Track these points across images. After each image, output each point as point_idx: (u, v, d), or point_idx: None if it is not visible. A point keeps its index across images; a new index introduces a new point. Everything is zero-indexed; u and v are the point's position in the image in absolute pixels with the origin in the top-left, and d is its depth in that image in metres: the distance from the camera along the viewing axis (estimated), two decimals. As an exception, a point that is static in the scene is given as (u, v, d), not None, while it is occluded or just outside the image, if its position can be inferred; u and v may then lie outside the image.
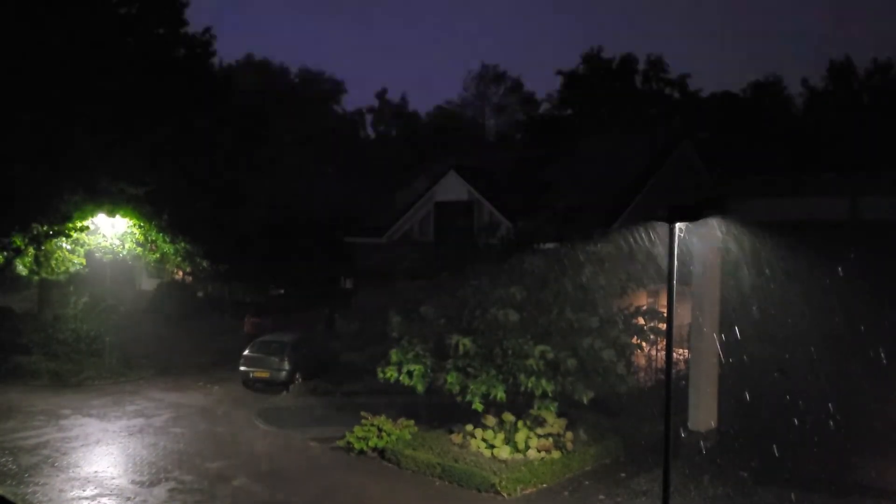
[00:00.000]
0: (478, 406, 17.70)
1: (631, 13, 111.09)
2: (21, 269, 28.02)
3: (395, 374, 18.58)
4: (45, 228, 27.55)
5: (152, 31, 30.26)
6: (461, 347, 17.84)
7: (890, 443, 16.44)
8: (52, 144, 27.32)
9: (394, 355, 18.70)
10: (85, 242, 28.76)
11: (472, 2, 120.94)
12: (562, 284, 18.40)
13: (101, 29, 28.79)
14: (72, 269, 28.96)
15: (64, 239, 28.05)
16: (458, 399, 18.07)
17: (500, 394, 17.54)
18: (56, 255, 28.06)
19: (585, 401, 17.77)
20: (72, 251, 28.42)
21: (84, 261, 29.00)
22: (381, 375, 18.97)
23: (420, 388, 18.46)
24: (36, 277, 28.97)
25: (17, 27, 27.58)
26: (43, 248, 27.86)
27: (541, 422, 17.94)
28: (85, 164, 27.72)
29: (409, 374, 18.45)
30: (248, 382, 25.98)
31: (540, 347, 17.40)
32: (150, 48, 29.86)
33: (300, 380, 25.46)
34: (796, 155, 38.97)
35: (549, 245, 20.15)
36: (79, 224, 27.98)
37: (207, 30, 33.07)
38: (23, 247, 27.52)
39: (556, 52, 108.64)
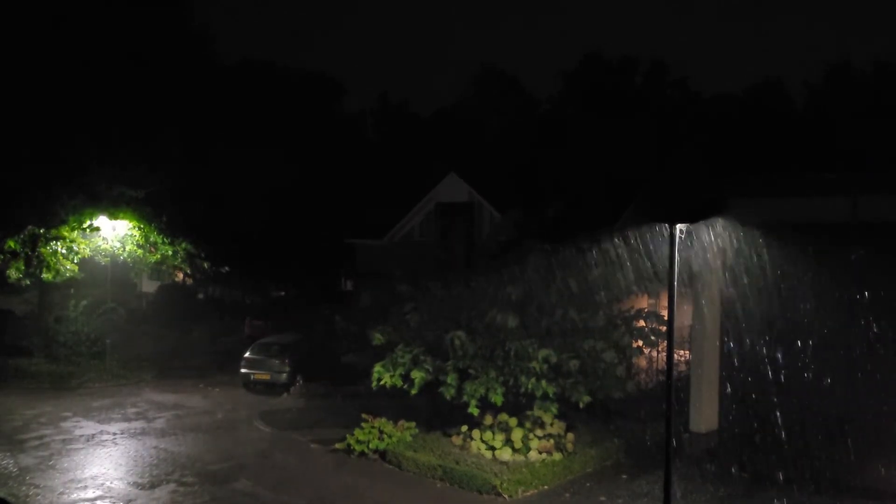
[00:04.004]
0: (473, 410, 17.69)
1: (631, 14, 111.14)
2: (13, 272, 27.83)
3: (391, 381, 18.63)
4: (41, 231, 27.44)
5: (153, 30, 30.23)
6: (456, 341, 17.84)
7: (892, 444, 16.39)
8: (50, 148, 27.29)
9: (377, 370, 18.87)
10: (80, 249, 28.54)
11: (473, 2, 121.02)
12: (565, 284, 18.39)
13: (101, 28, 28.79)
14: (67, 274, 28.66)
15: (60, 243, 27.90)
16: (455, 401, 18.06)
17: (498, 398, 17.51)
18: (49, 259, 27.81)
19: (582, 405, 17.77)
20: (67, 255, 28.20)
21: (76, 267, 28.72)
22: (375, 382, 19.07)
23: (413, 391, 18.48)
24: (27, 281, 28.79)
25: (15, 28, 27.58)
26: (37, 250, 27.64)
27: (540, 423, 17.92)
28: (84, 168, 27.69)
29: (406, 378, 18.48)
30: (249, 384, 25.97)
31: (544, 352, 17.38)
32: (151, 47, 29.83)
33: (301, 382, 25.45)
34: (797, 155, 38.97)
35: (551, 245, 20.13)
36: (79, 225, 27.87)
37: (208, 29, 33.15)
38: (18, 250, 27.43)
39: (556, 53, 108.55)
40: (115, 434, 20.49)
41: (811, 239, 16.38)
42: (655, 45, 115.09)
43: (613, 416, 19.49)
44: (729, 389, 18.93)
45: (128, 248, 29.71)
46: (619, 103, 48.67)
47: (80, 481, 16.74)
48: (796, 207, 17.78)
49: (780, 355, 17.39)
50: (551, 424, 17.94)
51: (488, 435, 17.79)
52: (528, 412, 17.98)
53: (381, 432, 18.46)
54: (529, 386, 17.35)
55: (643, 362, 21.28)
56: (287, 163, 39.06)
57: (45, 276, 28.16)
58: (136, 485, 16.61)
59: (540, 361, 17.28)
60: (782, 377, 17.36)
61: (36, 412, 22.51)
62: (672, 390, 11.95)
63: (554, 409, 17.73)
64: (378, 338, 19.45)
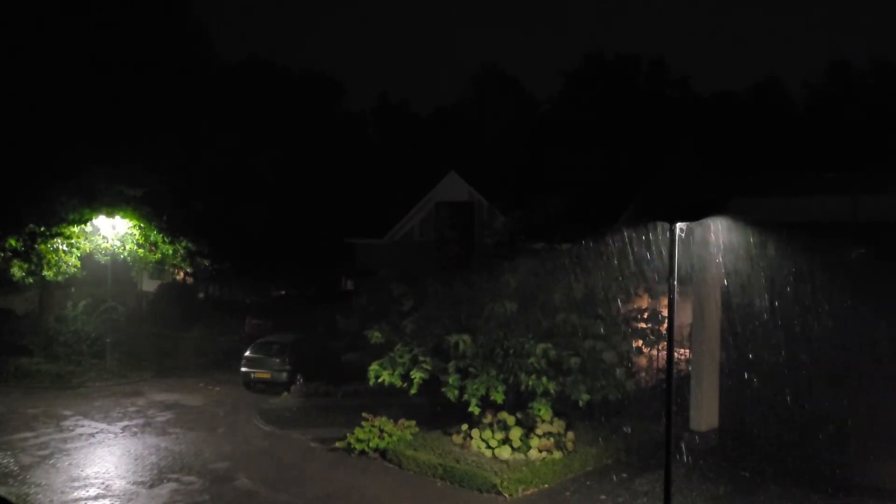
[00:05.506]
0: (474, 409, 17.71)
1: (631, 14, 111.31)
2: (17, 271, 27.83)
3: (390, 379, 18.68)
4: (41, 229, 27.44)
5: (150, 28, 30.22)
6: (461, 345, 17.84)
7: (892, 443, 16.42)
8: (49, 147, 27.30)
9: (373, 369, 18.93)
10: (81, 245, 28.53)
11: (473, 2, 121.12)
12: (567, 284, 18.41)
13: (98, 27, 28.80)
14: (70, 270, 28.64)
15: (60, 240, 27.89)
16: (456, 401, 18.09)
17: (499, 396, 17.52)
18: (49, 257, 27.82)
19: (581, 403, 17.78)
20: (68, 252, 28.19)
21: (79, 262, 28.75)
22: (373, 379, 19.13)
23: (413, 390, 18.53)
24: (30, 280, 28.78)
25: (14, 30, 27.60)
26: (36, 247, 27.65)
27: (540, 422, 17.92)
28: (83, 167, 27.68)
29: (406, 377, 18.53)
30: (250, 383, 26.01)
31: (542, 345, 17.39)
32: (148, 45, 29.82)
33: (301, 381, 25.46)
34: (797, 155, 38.95)
35: (552, 245, 20.16)
36: (75, 226, 27.86)
37: (206, 28, 33.17)
38: (20, 248, 27.43)
39: (556, 53, 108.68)
40: (115, 433, 20.52)
41: (811, 239, 16.40)
42: (655, 44, 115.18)
43: (613, 415, 19.47)
44: (729, 388, 18.96)
45: (128, 248, 29.71)
46: (619, 103, 48.64)
47: (80, 479, 16.75)
48: (796, 207, 17.78)
49: (779, 354, 17.41)
50: (551, 423, 17.95)
51: (488, 434, 17.81)
52: (528, 410, 17.99)
53: (382, 431, 18.48)
54: (530, 383, 17.36)
55: (643, 361, 21.29)
56: (287, 162, 39.08)
57: (47, 273, 28.14)
58: (137, 483, 16.63)
59: (539, 356, 17.28)
60: (782, 376, 17.39)
61: (36, 411, 22.53)
62: (672, 389, 11.98)
63: (546, 405, 17.61)
64: (376, 336, 19.49)
